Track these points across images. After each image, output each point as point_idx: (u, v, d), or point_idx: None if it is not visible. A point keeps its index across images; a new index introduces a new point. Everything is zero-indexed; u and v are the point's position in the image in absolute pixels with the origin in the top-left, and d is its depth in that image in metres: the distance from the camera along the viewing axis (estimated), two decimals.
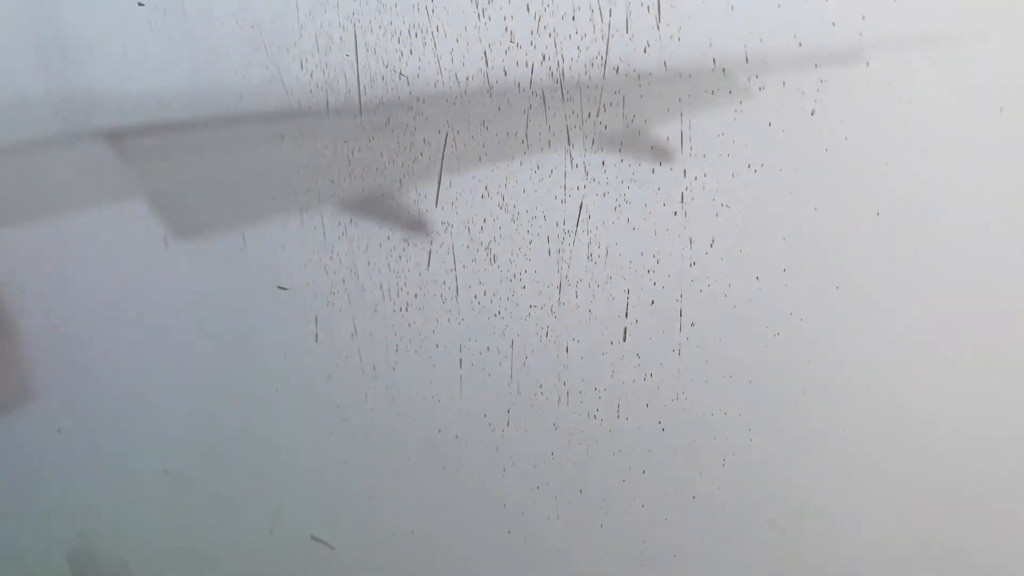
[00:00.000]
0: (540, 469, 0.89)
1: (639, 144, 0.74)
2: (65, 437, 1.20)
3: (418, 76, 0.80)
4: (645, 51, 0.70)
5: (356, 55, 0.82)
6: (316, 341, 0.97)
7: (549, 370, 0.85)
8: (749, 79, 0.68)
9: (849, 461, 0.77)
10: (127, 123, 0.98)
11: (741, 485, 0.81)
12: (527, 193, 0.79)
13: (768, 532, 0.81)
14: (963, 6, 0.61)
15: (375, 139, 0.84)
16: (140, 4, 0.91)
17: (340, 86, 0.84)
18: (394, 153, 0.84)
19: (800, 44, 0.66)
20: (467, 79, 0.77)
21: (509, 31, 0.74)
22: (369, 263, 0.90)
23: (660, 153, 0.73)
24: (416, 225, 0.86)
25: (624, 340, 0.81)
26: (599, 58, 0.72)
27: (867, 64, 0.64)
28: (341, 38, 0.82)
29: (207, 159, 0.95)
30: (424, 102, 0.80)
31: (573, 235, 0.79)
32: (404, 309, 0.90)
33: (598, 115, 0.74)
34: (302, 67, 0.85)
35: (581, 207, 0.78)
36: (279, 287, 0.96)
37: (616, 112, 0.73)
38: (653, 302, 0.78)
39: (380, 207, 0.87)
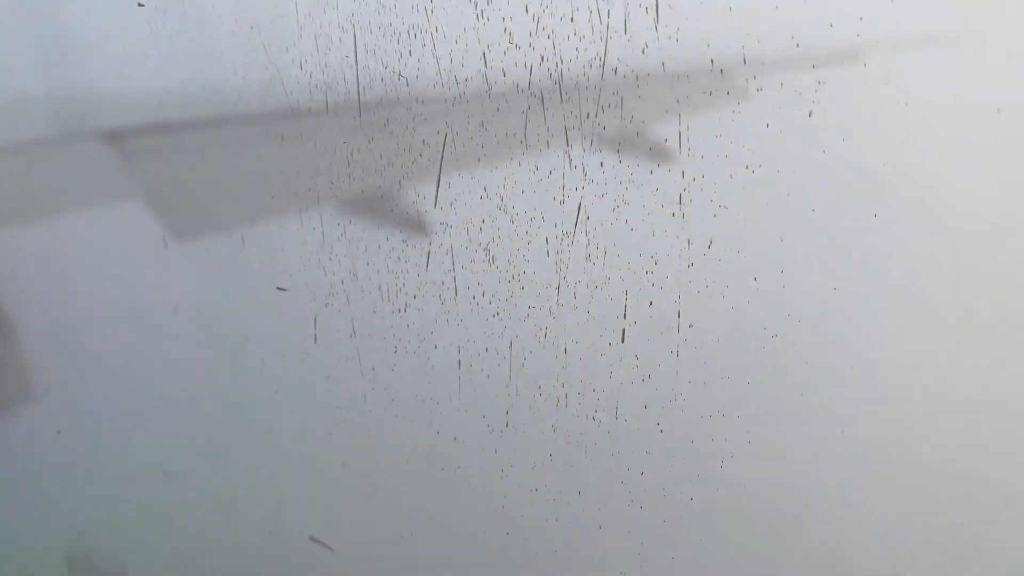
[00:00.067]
0: (539, 470, 0.89)
1: (637, 145, 0.74)
2: (64, 438, 1.20)
3: (417, 77, 0.80)
4: (643, 52, 0.70)
5: (355, 56, 0.82)
6: (315, 342, 0.97)
7: (548, 371, 0.85)
8: (747, 80, 0.68)
9: (847, 462, 0.77)
10: (127, 124, 0.98)
11: (739, 487, 0.81)
12: (526, 194, 0.79)
13: (766, 534, 0.81)
14: (960, 7, 0.61)
15: (374, 140, 0.85)
16: (140, 5, 0.91)
17: (339, 87, 0.84)
18: (393, 154, 0.84)
19: (798, 45, 0.66)
20: (466, 80, 0.78)
21: (508, 32, 0.74)
22: (368, 264, 0.90)
23: (658, 154, 0.73)
24: (415, 226, 0.86)
25: (622, 341, 0.81)
26: (598, 59, 0.72)
27: (865, 65, 0.65)
28: (340, 39, 0.82)
29: (206, 160, 0.95)
30: (423, 103, 0.81)
31: (571, 236, 0.79)
32: (403, 310, 0.90)
33: (596, 116, 0.74)
34: (301, 68, 0.85)
35: (580, 208, 0.78)
36: (278, 288, 0.96)
37: (614, 113, 0.73)
38: (651, 303, 0.78)
39: (379, 208, 0.87)
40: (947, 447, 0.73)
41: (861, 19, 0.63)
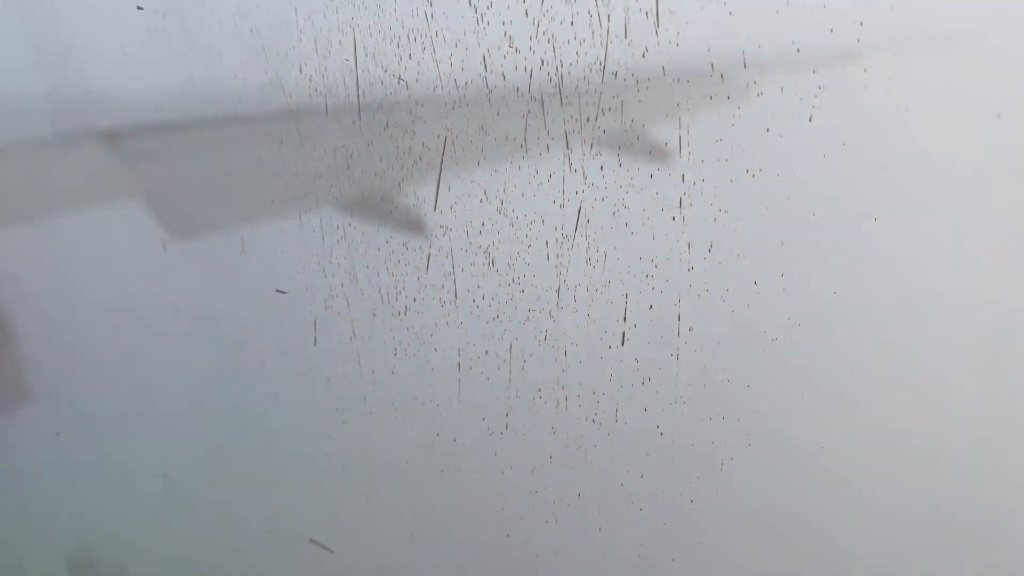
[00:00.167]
0: (538, 473, 0.89)
1: (638, 149, 0.74)
2: (64, 440, 1.20)
3: (417, 80, 0.80)
4: (644, 56, 0.70)
5: (355, 59, 0.82)
6: (315, 344, 0.97)
7: (547, 374, 0.85)
8: (747, 84, 0.68)
9: (846, 465, 0.77)
10: (126, 125, 0.98)
11: (739, 489, 0.81)
12: (526, 197, 0.79)
13: (766, 536, 0.82)
14: (960, 13, 0.61)
15: (374, 143, 0.85)
16: (139, 8, 0.91)
17: (339, 90, 0.84)
18: (393, 157, 0.84)
19: (798, 50, 0.66)
20: (466, 84, 0.78)
21: (508, 36, 0.74)
22: (368, 267, 0.90)
23: (658, 158, 0.73)
24: (415, 229, 0.86)
25: (622, 344, 0.81)
26: (598, 63, 0.72)
27: (864, 70, 0.65)
28: (340, 42, 0.82)
29: (206, 162, 0.95)
30: (423, 106, 0.81)
31: (572, 239, 0.79)
32: (403, 313, 0.90)
33: (597, 120, 0.74)
34: (301, 71, 0.85)
35: (580, 211, 0.78)
36: (278, 290, 0.96)
37: (615, 117, 0.73)
38: (651, 306, 0.78)
39: (379, 211, 0.87)
40: (947, 450, 0.73)
41: (861, 24, 0.64)
